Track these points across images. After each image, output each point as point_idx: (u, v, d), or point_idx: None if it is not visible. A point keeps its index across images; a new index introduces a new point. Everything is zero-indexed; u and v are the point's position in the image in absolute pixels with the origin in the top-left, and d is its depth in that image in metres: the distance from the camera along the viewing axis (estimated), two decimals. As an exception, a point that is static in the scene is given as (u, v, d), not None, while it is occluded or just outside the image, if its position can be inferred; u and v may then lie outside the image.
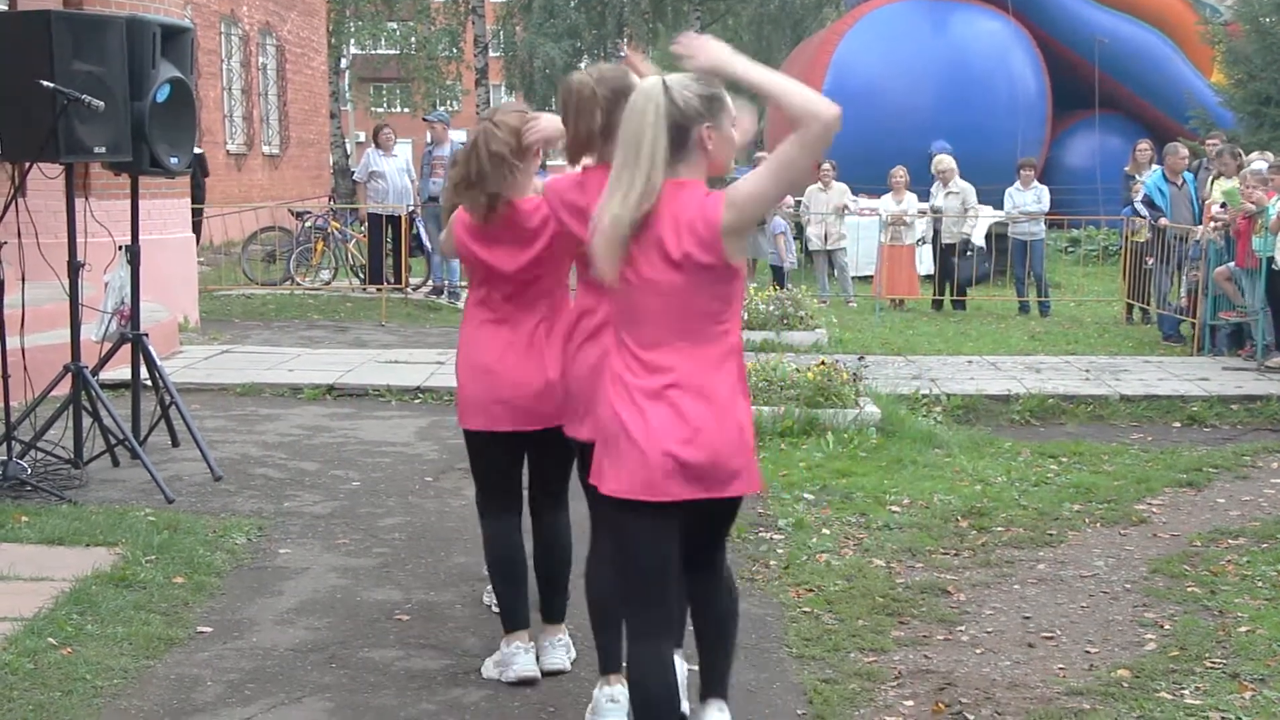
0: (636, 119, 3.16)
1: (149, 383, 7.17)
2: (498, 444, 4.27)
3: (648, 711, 3.32)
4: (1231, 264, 10.95)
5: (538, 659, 4.36)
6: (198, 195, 17.43)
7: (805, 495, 6.62)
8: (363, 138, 42.15)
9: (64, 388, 6.67)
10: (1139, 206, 12.88)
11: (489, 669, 4.37)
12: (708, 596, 3.62)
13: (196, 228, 18.13)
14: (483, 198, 4.08)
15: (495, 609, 4.66)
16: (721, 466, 3.21)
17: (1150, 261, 12.69)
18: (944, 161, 15.18)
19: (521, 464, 4.41)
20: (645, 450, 3.17)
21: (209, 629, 4.74)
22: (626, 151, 3.17)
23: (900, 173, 15.27)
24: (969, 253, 14.72)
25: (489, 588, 4.84)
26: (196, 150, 17.83)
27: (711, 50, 3.17)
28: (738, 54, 3.17)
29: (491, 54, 31.71)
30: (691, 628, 3.75)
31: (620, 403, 3.24)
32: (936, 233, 14.75)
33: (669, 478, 3.17)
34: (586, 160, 3.76)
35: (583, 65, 32.86)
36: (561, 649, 4.44)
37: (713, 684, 3.70)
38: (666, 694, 3.33)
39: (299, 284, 15.58)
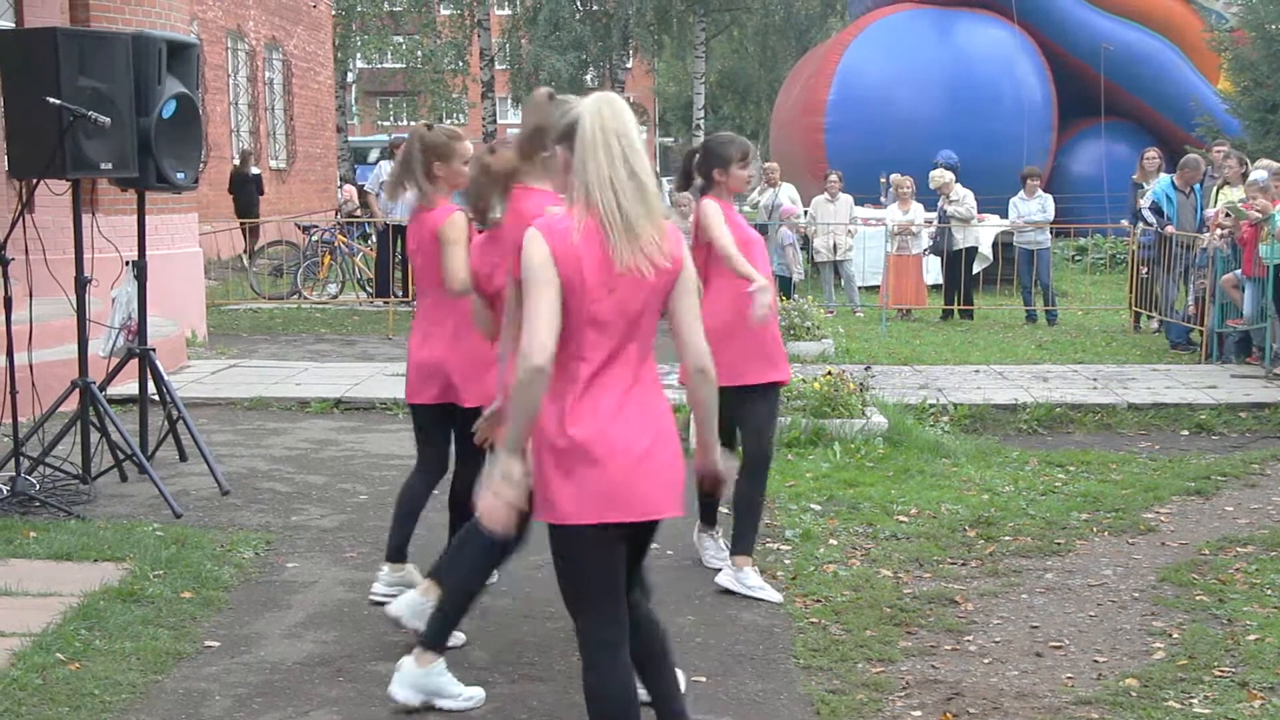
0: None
1: (156, 397, 7.19)
2: None
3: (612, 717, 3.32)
4: (1238, 271, 10.93)
5: None
6: (253, 210, 19.27)
7: (812, 506, 6.62)
8: (369, 151, 42.25)
9: (71, 403, 6.69)
10: (1146, 213, 12.87)
11: None
12: (645, 617, 3.53)
13: (255, 231, 19.24)
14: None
15: None
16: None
17: (1145, 270, 12.67)
18: (939, 178, 15.15)
19: None
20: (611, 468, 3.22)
21: (217, 643, 4.75)
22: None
23: (907, 183, 15.27)
24: (976, 269, 14.72)
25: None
26: (255, 171, 19.68)
27: None
28: None
29: (497, 67, 31.80)
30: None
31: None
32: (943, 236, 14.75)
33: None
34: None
35: (589, 78, 33.02)
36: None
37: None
38: (628, 700, 3.33)
39: (306, 298, 15.62)
